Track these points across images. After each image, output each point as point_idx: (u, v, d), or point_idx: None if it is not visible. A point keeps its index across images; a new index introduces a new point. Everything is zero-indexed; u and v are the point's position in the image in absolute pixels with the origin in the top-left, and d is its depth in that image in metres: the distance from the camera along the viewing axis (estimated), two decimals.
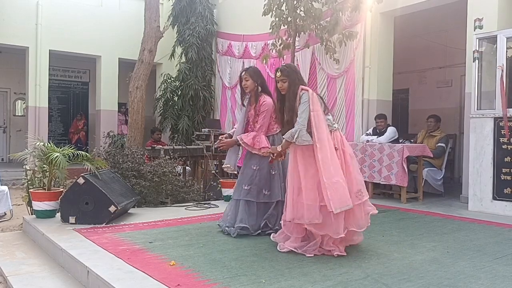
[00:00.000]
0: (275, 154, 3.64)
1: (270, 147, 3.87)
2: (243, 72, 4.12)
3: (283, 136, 3.52)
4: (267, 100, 4.02)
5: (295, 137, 3.39)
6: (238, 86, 4.41)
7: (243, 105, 4.28)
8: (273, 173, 3.99)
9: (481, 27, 5.66)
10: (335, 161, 3.36)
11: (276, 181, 3.98)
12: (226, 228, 3.98)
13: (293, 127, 3.44)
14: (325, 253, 3.34)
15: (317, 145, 3.34)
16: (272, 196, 3.97)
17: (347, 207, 3.28)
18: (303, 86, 3.51)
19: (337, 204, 3.23)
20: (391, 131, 6.54)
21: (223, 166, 4.37)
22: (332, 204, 3.22)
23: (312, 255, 3.31)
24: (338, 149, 3.43)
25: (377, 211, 3.55)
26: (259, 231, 3.94)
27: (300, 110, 3.44)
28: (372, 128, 6.86)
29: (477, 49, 5.33)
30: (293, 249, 3.39)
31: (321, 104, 3.49)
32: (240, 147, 4.15)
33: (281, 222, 3.61)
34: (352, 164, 3.48)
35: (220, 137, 4.25)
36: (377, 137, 6.55)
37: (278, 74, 3.57)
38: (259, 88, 4.07)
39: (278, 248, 3.47)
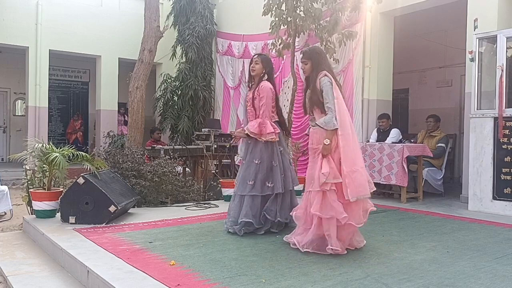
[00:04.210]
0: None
1: (276, 131, 3.93)
2: (256, 55, 4.17)
3: (317, 123, 3.43)
4: (265, 84, 4.03)
5: (325, 123, 3.34)
6: (242, 86, 4.42)
7: (249, 87, 4.28)
8: (274, 165, 3.99)
9: (476, 27, 5.67)
10: (356, 148, 3.38)
11: (276, 173, 3.98)
12: (231, 230, 3.96)
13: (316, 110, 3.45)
14: (319, 251, 3.32)
15: (339, 132, 3.31)
16: (274, 188, 3.96)
17: (364, 197, 3.29)
18: (325, 72, 3.45)
19: (354, 193, 3.24)
20: (394, 133, 6.54)
21: (236, 159, 4.42)
22: (349, 192, 3.22)
23: (309, 249, 3.32)
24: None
25: (375, 208, 3.56)
26: (261, 224, 3.97)
27: (324, 94, 3.38)
28: (375, 128, 6.86)
29: (474, 49, 5.33)
30: (294, 243, 3.42)
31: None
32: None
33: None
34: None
35: (231, 132, 4.28)
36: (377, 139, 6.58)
37: (301, 56, 3.62)
38: (266, 75, 4.10)
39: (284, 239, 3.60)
